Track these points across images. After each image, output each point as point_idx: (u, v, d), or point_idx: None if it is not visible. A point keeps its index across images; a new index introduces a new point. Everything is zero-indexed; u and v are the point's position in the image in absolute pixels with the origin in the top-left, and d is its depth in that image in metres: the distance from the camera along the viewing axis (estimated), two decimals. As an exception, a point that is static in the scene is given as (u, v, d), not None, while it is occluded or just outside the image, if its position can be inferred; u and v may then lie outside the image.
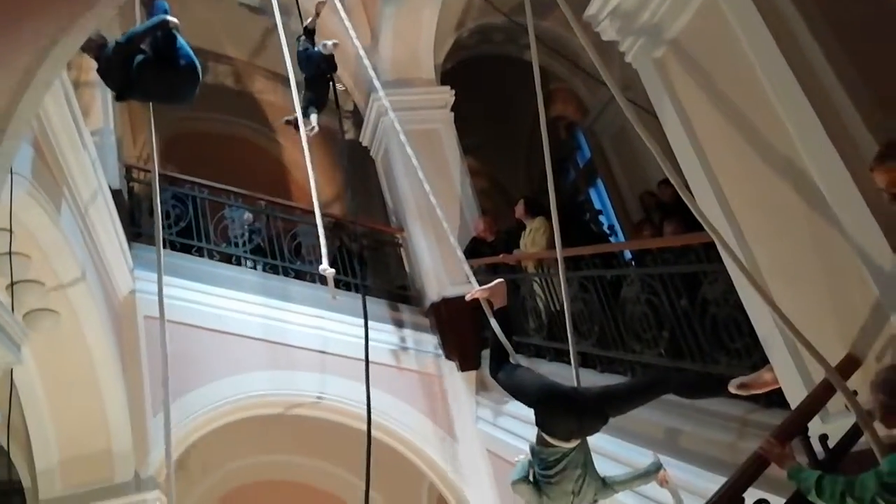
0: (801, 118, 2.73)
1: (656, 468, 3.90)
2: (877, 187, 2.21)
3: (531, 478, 3.65)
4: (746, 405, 3.74)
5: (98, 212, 5.14)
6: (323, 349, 6.44)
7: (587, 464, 3.65)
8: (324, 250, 4.82)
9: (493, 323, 3.93)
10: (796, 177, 2.79)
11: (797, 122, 2.75)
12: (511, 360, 3.88)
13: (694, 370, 4.10)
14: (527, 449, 3.80)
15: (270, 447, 7.88)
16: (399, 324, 6.97)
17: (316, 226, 5.73)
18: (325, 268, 4.71)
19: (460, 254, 4.61)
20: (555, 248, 6.16)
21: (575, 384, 3.86)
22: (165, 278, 6.23)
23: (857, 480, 2.11)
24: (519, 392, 3.78)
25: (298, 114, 4.94)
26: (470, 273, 4.39)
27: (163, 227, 6.53)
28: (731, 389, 3.27)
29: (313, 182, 4.78)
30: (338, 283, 7.08)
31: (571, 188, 10.07)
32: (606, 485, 3.76)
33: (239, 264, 6.79)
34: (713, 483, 3.77)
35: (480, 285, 4.29)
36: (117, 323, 5.60)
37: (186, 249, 6.59)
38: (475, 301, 4.87)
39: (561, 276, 4.03)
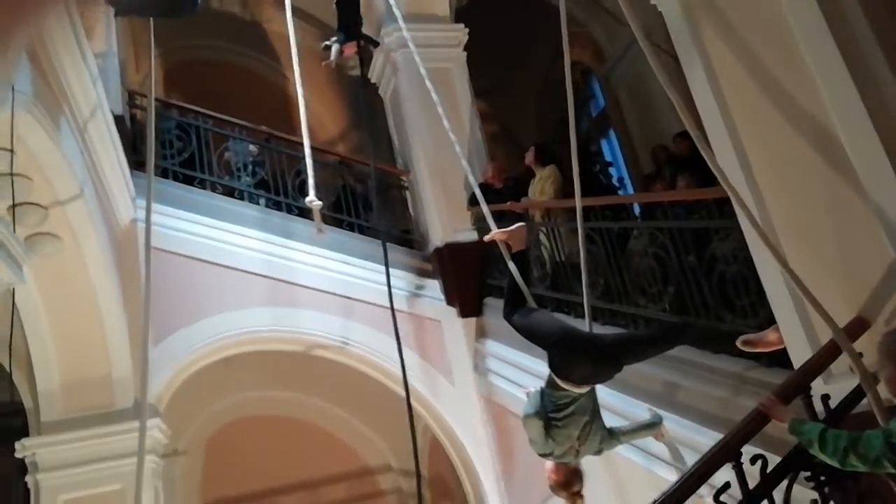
0: (831, 73, 2.60)
1: (659, 420, 3.92)
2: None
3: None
4: (745, 362, 3.73)
5: (100, 136, 5.06)
6: (326, 289, 6.44)
7: (595, 412, 3.65)
8: (310, 181, 4.67)
9: (511, 266, 3.90)
10: (820, 134, 2.69)
11: (827, 77, 2.63)
12: (527, 305, 3.85)
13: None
14: (531, 389, 3.81)
15: (268, 383, 7.97)
16: (402, 267, 6.94)
17: (321, 162, 5.64)
18: (311, 199, 4.58)
19: (478, 192, 4.57)
20: (562, 197, 6.11)
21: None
22: (166, 209, 6.23)
23: (862, 437, 2.07)
24: (535, 334, 3.73)
25: (292, 40, 4.79)
26: (488, 214, 4.36)
27: (165, 157, 6.49)
28: (738, 344, 3.26)
29: (303, 108, 4.69)
30: (341, 223, 7.04)
31: (583, 138, 9.91)
32: (612, 434, 3.78)
33: (241, 198, 6.73)
34: (707, 437, 3.80)
35: (486, 233, 4.26)
36: (118, 251, 5.58)
37: (188, 181, 6.52)
38: (479, 248, 4.79)
39: (579, 228, 4.00)
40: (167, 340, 5.73)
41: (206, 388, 6.81)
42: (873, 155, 2.45)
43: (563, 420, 3.55)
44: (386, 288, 6.70)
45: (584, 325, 4.14)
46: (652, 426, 3.99)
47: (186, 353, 5.78)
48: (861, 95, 2.48)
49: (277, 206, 6.85)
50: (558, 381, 3.52)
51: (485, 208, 4.38)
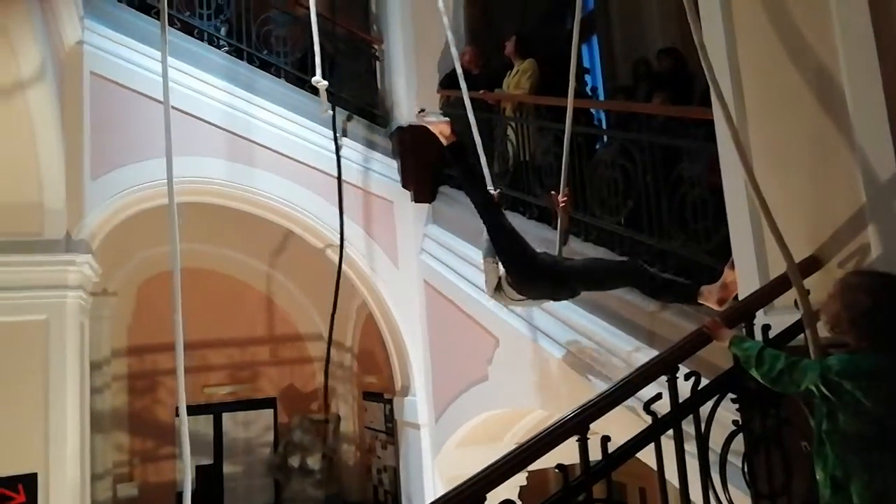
0: (851, 9, 2.50)
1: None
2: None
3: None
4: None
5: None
6: (284, 151, 6.19)
7: None
8: (317, 59, 4.88)
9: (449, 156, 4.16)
10: (821, 65, 2.61)
11: (844, 13, 2.52)
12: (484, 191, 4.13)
13: (650, 244, 4.15)
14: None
15: (211, 238, 7.82)
16: (362, 141, 6.72)
17: (292, 15, 5.36)
18: (317, 79, 4.89)
19: (460, 72, 4.67)
20: (537, 94, 5.93)
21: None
22: (117, 36, 5.75)
23: (800, 363, 2.12)
24: (501, 249, 3.95)
25: None
26: (467, 98, 4.46)
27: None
28: (709, 304, 3.21)
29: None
30: (303, 84, 6.68)
31: (566, 38, 9.56)
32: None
33: (201, 39, 6.27)
34: (629, 344, 4.02)
35: (455, 119, 4.27)
36: (61, 73, 5.16)
37: (145, 9, 5.99)
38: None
39: (566, 131, 4.00)
40: (108, 176, 5.45)
41: (145, 232, 6.61)
42: (871, 97, 2.40)
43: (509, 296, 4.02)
44: (341, 160, 6.55)
45: (539, 229, 4.20)
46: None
47: (127, 192, 5.52)
48: (875, 35, 2.39)
49: (238, 53, 6.42)
50: (515, 292, 3.91)
51: (464, 92, 4.24)
